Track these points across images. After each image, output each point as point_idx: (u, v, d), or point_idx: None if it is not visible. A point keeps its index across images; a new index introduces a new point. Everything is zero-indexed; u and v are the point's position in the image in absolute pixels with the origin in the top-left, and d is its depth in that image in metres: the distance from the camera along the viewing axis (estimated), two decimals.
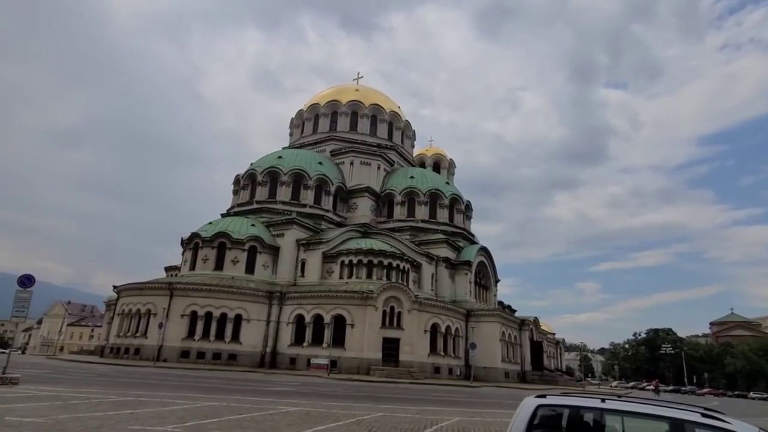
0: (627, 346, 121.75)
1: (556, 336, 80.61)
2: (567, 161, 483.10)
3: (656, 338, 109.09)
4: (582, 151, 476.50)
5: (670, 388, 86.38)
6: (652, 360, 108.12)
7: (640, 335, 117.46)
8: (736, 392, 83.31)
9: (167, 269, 57.98)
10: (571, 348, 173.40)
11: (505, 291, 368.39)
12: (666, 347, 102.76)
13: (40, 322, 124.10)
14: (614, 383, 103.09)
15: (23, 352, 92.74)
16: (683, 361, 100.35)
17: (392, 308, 39.40)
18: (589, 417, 4.92)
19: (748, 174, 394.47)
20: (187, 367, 34.09)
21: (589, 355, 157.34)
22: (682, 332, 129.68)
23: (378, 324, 38.46)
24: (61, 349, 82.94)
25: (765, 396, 76.71)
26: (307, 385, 25.25)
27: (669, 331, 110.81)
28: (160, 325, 37.27)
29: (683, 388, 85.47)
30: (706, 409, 4.41)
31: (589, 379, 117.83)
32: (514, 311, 75.36)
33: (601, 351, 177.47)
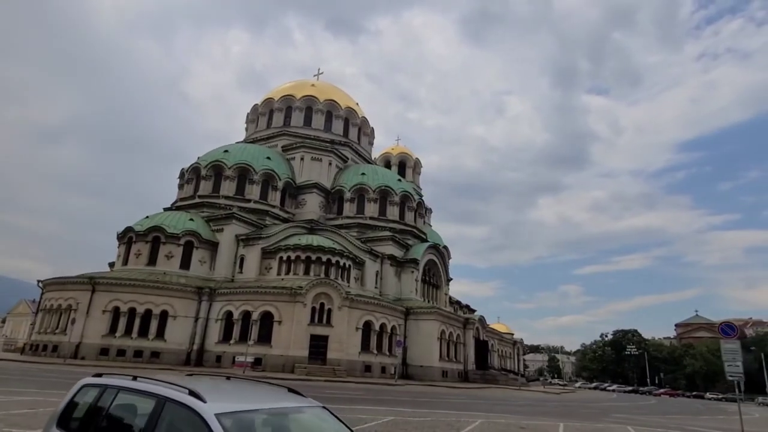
0: (594, 347, 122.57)
1: (515, 336, 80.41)
2: (551, 165, 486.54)
3: (622, 339, 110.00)
4: (565, 156, 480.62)
5: (629, 388, 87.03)
6: (618, 361, 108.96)
7: (607, 336, 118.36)
8: (694, 393, 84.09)
9: (111, 265, 56.30)
10: (548, 350, 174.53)
11: (490, 293, 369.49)
12: (630, 348, 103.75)
13: (4, 321, 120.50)
14: (578, 384, 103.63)
15: None
16: (646, 361, 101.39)
17: (322, 305, 38.47)
18: (108, 394, 4.41)
19: (725, 180, 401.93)
20: (99, 365, 32.65)
21: (559, 356, 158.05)
22: (656, 334, 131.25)
23: (306, 321, 37.48)
24: None
25: (720, 397, 77.40)
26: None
27: (634, 333, 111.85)
28: (73, 321, 35.79)
29: (641, 389, 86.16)
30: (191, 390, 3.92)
31: (556, 379, 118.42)
32: (473, 311, 75.10)
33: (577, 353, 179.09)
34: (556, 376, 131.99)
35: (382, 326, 41.88)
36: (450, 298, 66.54)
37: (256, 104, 67.16)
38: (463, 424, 15.04)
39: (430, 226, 77.33)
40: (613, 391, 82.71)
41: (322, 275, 42.30)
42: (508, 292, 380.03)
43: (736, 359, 15.44)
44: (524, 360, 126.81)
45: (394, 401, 21.42)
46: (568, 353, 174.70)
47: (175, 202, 54.55)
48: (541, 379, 73.70)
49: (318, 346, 37.14)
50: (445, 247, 72.05)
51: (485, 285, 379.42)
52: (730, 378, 15.60)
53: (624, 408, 30.61)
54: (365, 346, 40.10)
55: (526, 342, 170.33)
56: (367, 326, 40.61)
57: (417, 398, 23.93)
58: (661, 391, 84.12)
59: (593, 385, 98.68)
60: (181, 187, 55.55)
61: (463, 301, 75.39)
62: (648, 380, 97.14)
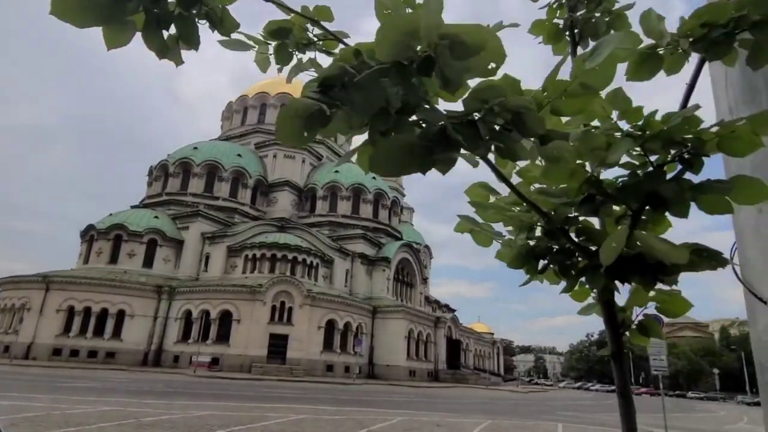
0: (581, 347, 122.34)
1: (495, 336, 79.87)
2: None
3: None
4: None
5: (612, 388, 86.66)
6: (603, 360, 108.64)
7: (593, 336, 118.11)
8: (677, 392, 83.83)
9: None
10: (538, 350, 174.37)
11: (487, 294, 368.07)
12: None
13: None
14: (562, 384, 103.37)
15: None
16: (631, 361, 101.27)
17: (283, 303, 37.67)
18: None
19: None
20: (51, 366, 31.71)
21: (547, 356, 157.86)
22: None
23: (266, 319, 36.66)
24: None
25: (701, 396, 77.23)
26: (123, 382, 23.34)
27: None
28: (21, 320, 34.84)
29: None
30: None
31: (542, 379, 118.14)
32: (453, 310, 74.43)
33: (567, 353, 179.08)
34: (541, 376, 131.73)
35: (347, 325, 41.09)
36: (428, 297, 65.87)
37: (231, 101, 66.39)
38: (377, 422, 14.32)
39: (412, 225, 76.73)
40: (596, 390, 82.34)
41: (288, 273, 41.50)
42: (502, 293, 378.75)
43: (661, 353, 14.82)
44: (513, 360, 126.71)
45: (331, 400, 20.63)
46: (560, 354, 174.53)
47: (143, 199, 53.62)
48: (518, 378, 73.09)
49: (277, 345, 36.32)
50: (426, 246, 71.56)
51: (481, 286, 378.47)
52: (655, 372, 14.98)
53: (580, 407, 29.98)
54: (328, 345, 39.29)
55: (518, 343, 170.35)
56: (331, 325, 39.80)
57: (359, 397, 23.17)
58: (643, 390, 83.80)
59: (577, 384, 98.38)
60: (149, 184, 54.67)
61: (455, 302, 75.68)
62: (632, 379, 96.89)
